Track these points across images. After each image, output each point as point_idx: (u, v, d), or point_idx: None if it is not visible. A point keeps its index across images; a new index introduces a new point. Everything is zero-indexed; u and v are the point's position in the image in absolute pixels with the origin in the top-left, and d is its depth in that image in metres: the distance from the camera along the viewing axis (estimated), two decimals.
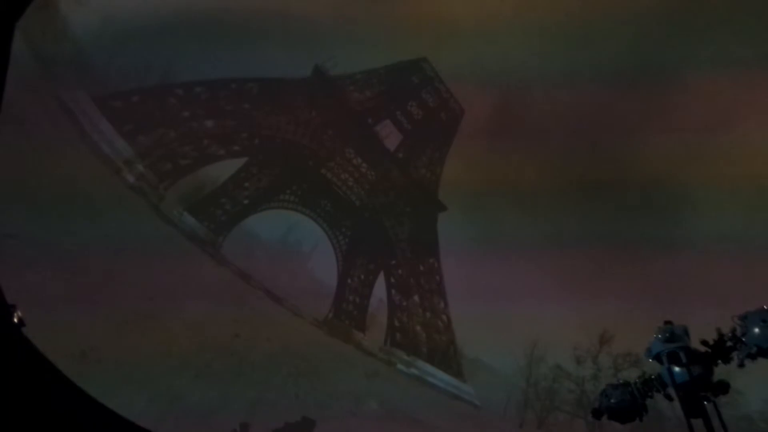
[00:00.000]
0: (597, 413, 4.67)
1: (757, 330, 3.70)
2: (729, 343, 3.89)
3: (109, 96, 36.36)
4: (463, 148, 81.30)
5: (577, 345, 56.81)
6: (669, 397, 4.13)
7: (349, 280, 67.70)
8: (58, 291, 28.85)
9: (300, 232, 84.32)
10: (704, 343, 3.97)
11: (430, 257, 54.34)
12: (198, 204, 52.70)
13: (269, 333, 39.82)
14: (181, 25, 57.02)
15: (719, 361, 3.90)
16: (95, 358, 27.23)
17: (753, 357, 3.77)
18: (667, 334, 4.04)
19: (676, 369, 3.93)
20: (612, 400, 4.44)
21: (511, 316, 63.61)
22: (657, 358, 4.07)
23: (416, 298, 51.00)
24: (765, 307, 3.75)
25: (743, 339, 3.80)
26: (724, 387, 3.88)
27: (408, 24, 75.94)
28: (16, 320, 4.80)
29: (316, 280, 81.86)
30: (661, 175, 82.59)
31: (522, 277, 78.57)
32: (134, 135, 36.85)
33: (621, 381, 4.34)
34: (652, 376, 4.14)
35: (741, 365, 3.82)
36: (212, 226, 56.01)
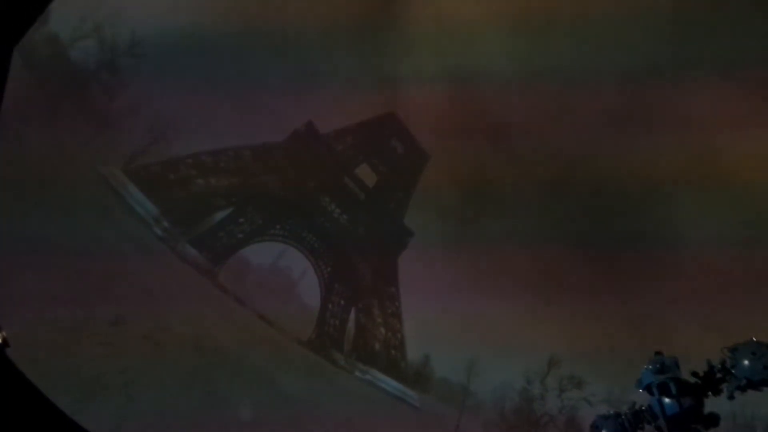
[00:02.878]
0: None
1: (746, 362, 3.78)
2: (719, 375, 3.96)
3: (135, 167, 51.11)
4: (451, 147, 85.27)
5: (528, 365, 68.40)
6: (660, 429, 4.16)
7: (330, 305, 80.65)
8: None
9: (289, 258, 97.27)
10: (694, 374, 4.04)
11: (392, 286, 68.07)
12: (198, 238, 66.21)
13: (254, 347, 52.64)
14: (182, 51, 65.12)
15: (709, 393, 3.95)
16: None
17: (742, 389, 3.85)
18: (658, 365, 4.07)
19: (667, 400, 3.97)
20: None
21: (475, 320, 72.30)
22: (647, 389, 4.11)
23: (378, 319, 64.55)
24: (753, 338, 3.84)
25: (733, 371, 3.86)
26: (714, 419, 3.94)
27: (407, 25, 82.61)
28: (0, 340, 4.55)
29: (303, 303, 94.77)
30: (653, 178, 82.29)
31: (497, 280, 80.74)
32: (156, 194, 51.30)
33: (612, 412, 4.39)
34: (643, 407, 4.20)
35: (731, 397, 3.89)
36: (210, 257, 69.45)
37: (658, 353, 4.22)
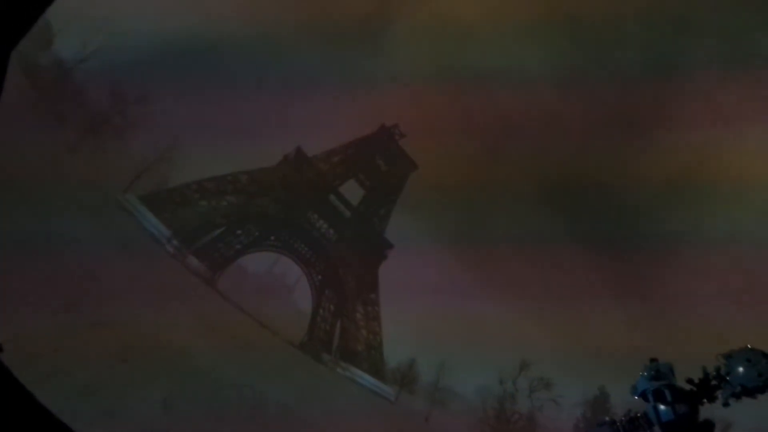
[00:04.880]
0: None
1: (741, 369, 3.86)
2: (714, 382, 4.02)
3: (149, 194, 61.37)
4: (450, 147, 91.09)
5: (501, 364, 76.27)
6: None
7: (321, 311, 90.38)
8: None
9: (284, 266, 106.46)
10: (689, 381, 4.12)
11: (372, 293, 78.23)
12: (200, 248, 76.05)
13: (250, 350, 61.91)
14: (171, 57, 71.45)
15: (704, 400, 4.04)
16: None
17: (737, 396, 3.93)
18: (653, 372, 4.18)
19: (662, 407, 4.05)
20: None
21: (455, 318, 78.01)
22: (643, 395, 4.20)
23: (361, 323, 74.62)
24: (749, 346, 3.94)
25: (728, 378, 3.94)
26: (709, 426, 4.02)
27: (408, 26, 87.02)
28: None
29: (298, 309, 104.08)
30: (653, 177, 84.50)
31: (481, 283, 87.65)
32: (167, 216, 61.73)
33: (607, 419, 4.46)
34: (638, 414, 4.26)
35: (726, 404, 3.98)
36: (210, 266, 79.23)
37: (653, 360, 4.26)
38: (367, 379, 67.57)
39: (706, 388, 4.04)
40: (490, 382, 74.19)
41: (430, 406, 67.12)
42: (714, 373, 4.03)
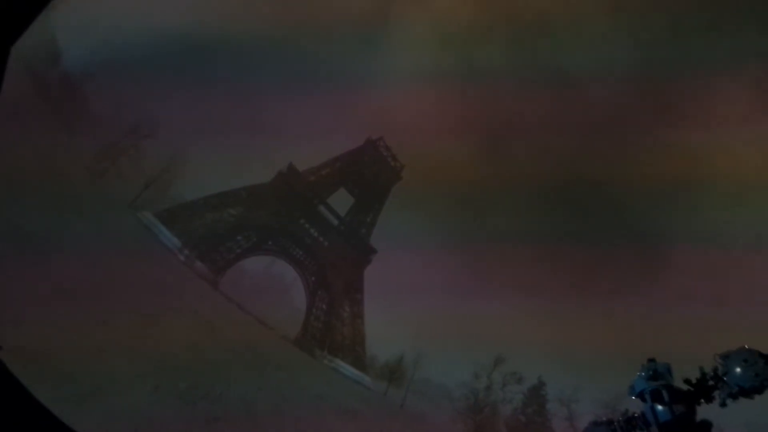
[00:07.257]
0: None
1: (738, 370, 3.93)
2: (711, 383, 4.09)
3: (162, 210, 72.69)
4: (450, 146, 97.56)
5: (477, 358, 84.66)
6: None
7: (314, 309, 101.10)
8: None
9: (282, 267, 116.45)
10: (687, 381, 4.19)
11: (358, 293, 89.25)
12: (204, 253, 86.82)
13: (246, 344, 72.42)
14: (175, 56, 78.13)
15: (702, 400, 4.11)
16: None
17: (734, 397, 4.00)
18: (651, 372, 4.26)
19: (659, 407, 4.12)
20: None
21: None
22: (640, 395, 4.29)
23: (347, 320, 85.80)
24: (746, 346, 4.01)
25: (725, 378, 4.00)
26: (706, 426, 4.08)
27: (410, 27, 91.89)
28: None
29: (294, 306, 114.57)
30: (649, 177, 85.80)
31: (468, 282, 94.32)
32: (177, 228, 73.07)
33: (604, 418, 4.50)
34: (636, 414, 4.33)
35: (723, 405, 4.04)
36: (213, 268, 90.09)
37: (651, 360, 4.36)
38: (350, 371, 78.49)
39: (704, 388, 4.13)
40: (468, 376, 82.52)
41: (410, 396, 77.61)
42: (711, 373, 4.11)
